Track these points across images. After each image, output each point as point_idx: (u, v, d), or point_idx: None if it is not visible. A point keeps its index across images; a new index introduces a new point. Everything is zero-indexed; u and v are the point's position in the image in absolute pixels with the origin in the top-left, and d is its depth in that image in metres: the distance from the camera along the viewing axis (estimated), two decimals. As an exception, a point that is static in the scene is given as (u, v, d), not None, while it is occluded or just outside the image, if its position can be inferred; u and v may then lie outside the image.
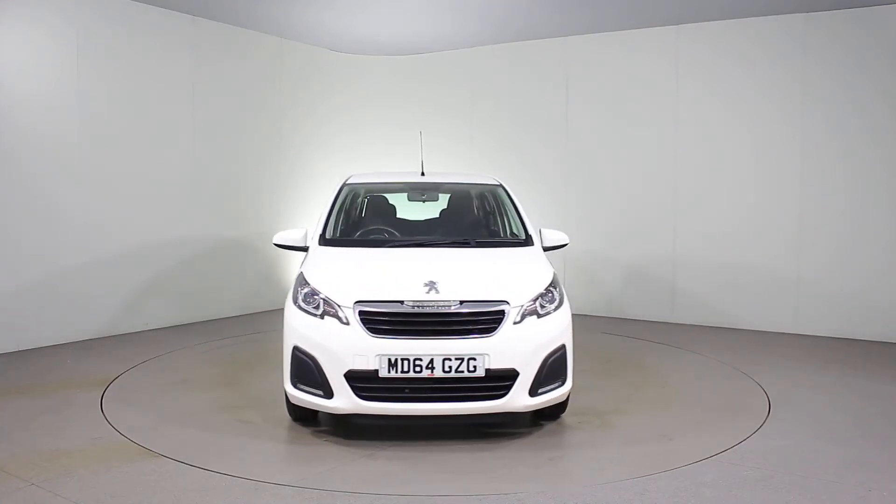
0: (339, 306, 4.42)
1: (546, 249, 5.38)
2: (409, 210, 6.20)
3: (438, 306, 4.35)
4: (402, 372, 4.25)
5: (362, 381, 4.28)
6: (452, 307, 4.36)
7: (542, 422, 4.89)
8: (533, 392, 4.38)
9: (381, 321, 4.34)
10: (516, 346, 4.33)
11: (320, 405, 4.40)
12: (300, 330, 4.48)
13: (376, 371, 4.25)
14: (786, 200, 8.03)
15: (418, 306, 4.35)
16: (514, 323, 4.38)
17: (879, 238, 7.60)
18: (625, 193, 8.88)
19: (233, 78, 8.77)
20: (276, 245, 5.43)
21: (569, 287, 9.23)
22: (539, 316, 4.49)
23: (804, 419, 5.03)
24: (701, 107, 8.47)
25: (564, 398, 4.72)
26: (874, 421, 5.03)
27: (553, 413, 4.87)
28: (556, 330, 4.52)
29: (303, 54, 9.67)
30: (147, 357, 6.68)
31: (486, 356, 4.27)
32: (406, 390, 4.30)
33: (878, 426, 4.92)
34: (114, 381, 5.86)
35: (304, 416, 4.78)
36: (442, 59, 10.05)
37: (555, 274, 4.86)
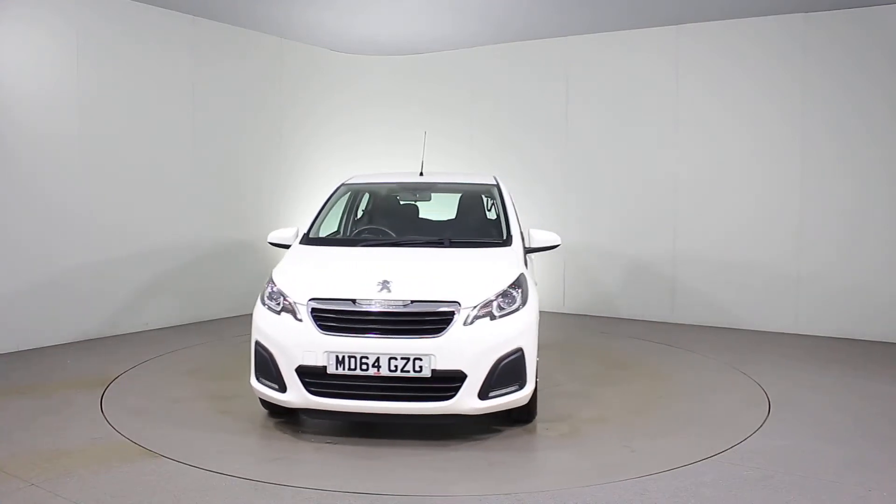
0: (295, 304, 4.52)
1: (534, 250, 5.33)
2: (398, 210, 6.25)
3: (388, 305, 4.38)
4: (350, 369, 4.29)
5: (312, 377, 4.36)
6: (401, 307, 4.37)
7: (513, 426, 4.78)
8: (483, 395, 4.30)
9: (332, 318, 4.40)
10: (464, 348, 4.29)
11: (275, 398, 4.51)
12: (261, 326, 4.62)
13: (325, 367, 4.32)
14: (786, 200, 8.03)
15: (368, 305, 4.39)
16: (465, 324, 4.34)
17: (880, 238, 7.60)
18: (625, 193, 8.88)
19: (233, 78, 8.77)
20: (270, 244, 5.57)
21: (569, 287, 9.25)
22: (493, 318, 4.41)
23: (804, 419, 5.03)
24: (701, 107, 8.47)
25: (525, 402, 4.55)
26: (874, 421, 5.03)
27: (522, 417, 4.79)
28: (511, 332, 4.41)
29: (303, 54, 9.67)
30: (147, 357, 6.68)
31: (433, 357, 4.25)
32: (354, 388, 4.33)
33: (879, 426, 4.92)
34: (114, 381, 5.86)
35: (275, 411, 4.90)
36: (442, 59, 10.05)
37: (521, 275, 4.72)
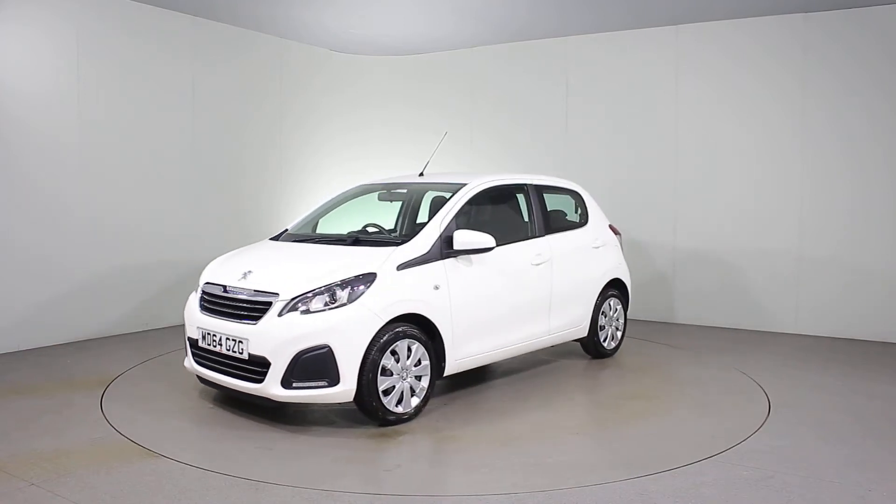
0: (198, 286, 5.34)
1: (459, 253, 5.16)
2: (385, 209, 6.42)
3: (235, 292, 4.92)
4: (209, 344, 4.97)
5: (193, 348, 5.18)
6: (243, 294, 4.86)
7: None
8: (286, 384, 4.54)
9: (206, 300, 5.15)
10: (270, 337, 4.58)
11: (185, 363, 5.37)
12: (188, 302, 5.41)
13: (197, 340, 5.09)
14: (786, 200, 8.03)
15: (232, 291, 4.95)
16: (278, 315, 4.62)
17: (880, 238, 7.59)
18: (624, 193, 8.87)
19: (233, 78, 8.77)
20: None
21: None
22: (306, 312, 4.58)
23: (804, 419, 5.03)
24: (701, 106, 8.47)
25: (343, 400, 4.60)
26: (874, 421, 5.03)
27: (400, 419, 4.77)
28: (317, 328, 4.52)
29: (303, 54, 9.67)
30: (147, 357, 6.68)
31: (248, 341, 4.67)
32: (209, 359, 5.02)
33: (879, 426, 4.92)
34: (114, 381, 5.86)
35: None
36: (442, 59, 10.05)
37: (366, 275, 4.72)
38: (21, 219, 6.86)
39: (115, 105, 7.57)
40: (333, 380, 4.54)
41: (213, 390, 5.61)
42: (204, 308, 5.11)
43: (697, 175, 8.50)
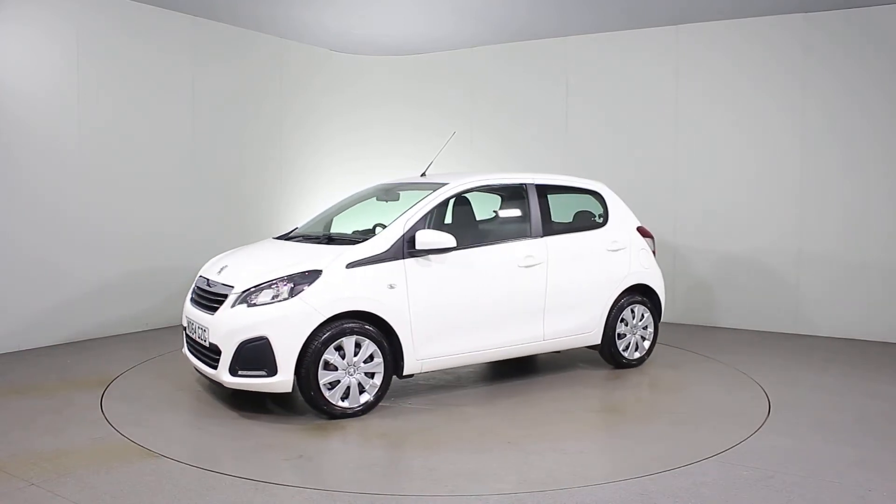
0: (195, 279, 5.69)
1: (421, 253, 5.17)
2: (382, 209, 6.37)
3: (212, 285, 5.27)
4: (191, 332, 5.33)
5: (186, 336, 5.51)
6: (214, 287, 5.21)
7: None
8: (233, 371, 4.83)
9: (194, 292, 5.49)
10: (221, 326, 4.90)
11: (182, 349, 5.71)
12: None
13: (185, 328, 5.49)
14: (786, 201, 8.03)
15: (209, 284, 5.32)
16: (231, 307, 4.92)
17: (880, 238, 7.60)
18: (624, 193, 8.82)
19: (233, 78, 8.77)
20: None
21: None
22: (249, 305, 4.86)
23: (804, 419, 5.03)
24: (701, 106, 8.47)
25: (282, 390, 4.79)
26: (874, 421, 5.03)
27: (346, 413, 4.90)
28: (258, 320, 4.77)
29: (303, 54, 9.67)
30: (147, 357, 6.68)
31: (209, 330, 4.99)
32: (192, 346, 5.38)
33: (879, 426, 4.92)
34: (114, 381, 5.86)
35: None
36: (442, 59, 10.05)
37: (307, 272, 4.88)
38: (21, 218, 6.85)
39: (116, 105, 7.57)
40: (271, 370, 4.76)
41: (213, 390, 5.61)
42: (192, 299, 5.50)
43: (697, 175, 8.50)
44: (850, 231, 7.73)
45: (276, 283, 4.87)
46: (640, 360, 6.48)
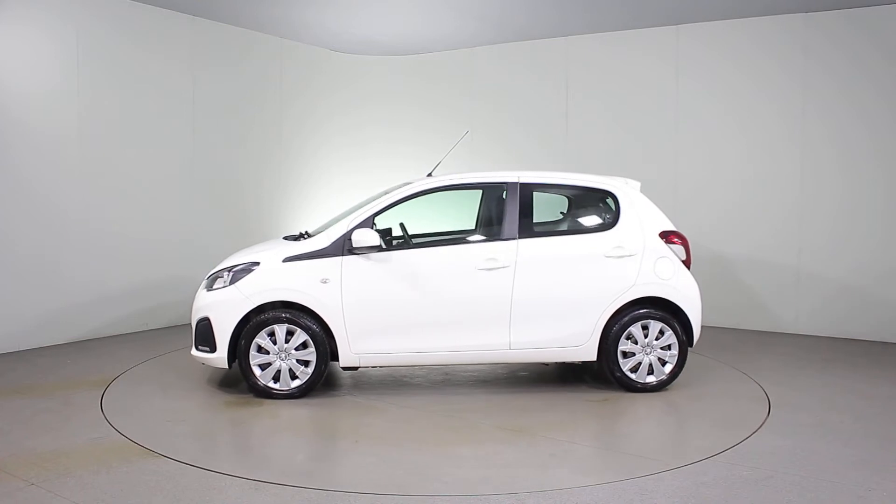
0: None
1: (360, 251, 5.32)
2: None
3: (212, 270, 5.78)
4: None
5: None
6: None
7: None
8: (196, 347, 5.51)
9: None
10: (193, 307, 5.60)
11: None
12: None
13: None
14: (785, 201, 8.03)
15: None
16: (201, 290, 5.62)
17: (879, 238, 7.59)
18: (625, 193, 8.86)
19: (233, 78, 8.77)
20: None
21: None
22: (208, 290, 5.53)
23: (804, 419, 5.03)
24: (700, 106, 8.47)
25: (218, 365, 5.36)
26: (874, 421, 5.02)
27: (279, 394, 5.34)
28: (204, 304, 5.47)
29: (303, 54, 9.67)
30: (147, 357, 6.68)
31: (199, 310, 5.55)
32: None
33: (879, 426, 4.92)
34: (114, 381, 5.86)
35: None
36: (442, 59, 10.05)
37: (249, 263, 5.43)
38: (20, 218, 6.86)
39: (115, 105, 7.57)
40: (212, 347, 5.37)
41: (214, 389, 5.62)
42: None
43: (697, 175, 8.50)
44: (851, 231, 7.73)
45: (224, 273, 5.49)
46: (658, 387, 5.61)
